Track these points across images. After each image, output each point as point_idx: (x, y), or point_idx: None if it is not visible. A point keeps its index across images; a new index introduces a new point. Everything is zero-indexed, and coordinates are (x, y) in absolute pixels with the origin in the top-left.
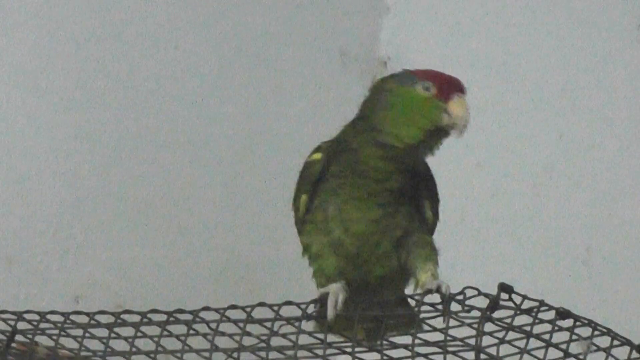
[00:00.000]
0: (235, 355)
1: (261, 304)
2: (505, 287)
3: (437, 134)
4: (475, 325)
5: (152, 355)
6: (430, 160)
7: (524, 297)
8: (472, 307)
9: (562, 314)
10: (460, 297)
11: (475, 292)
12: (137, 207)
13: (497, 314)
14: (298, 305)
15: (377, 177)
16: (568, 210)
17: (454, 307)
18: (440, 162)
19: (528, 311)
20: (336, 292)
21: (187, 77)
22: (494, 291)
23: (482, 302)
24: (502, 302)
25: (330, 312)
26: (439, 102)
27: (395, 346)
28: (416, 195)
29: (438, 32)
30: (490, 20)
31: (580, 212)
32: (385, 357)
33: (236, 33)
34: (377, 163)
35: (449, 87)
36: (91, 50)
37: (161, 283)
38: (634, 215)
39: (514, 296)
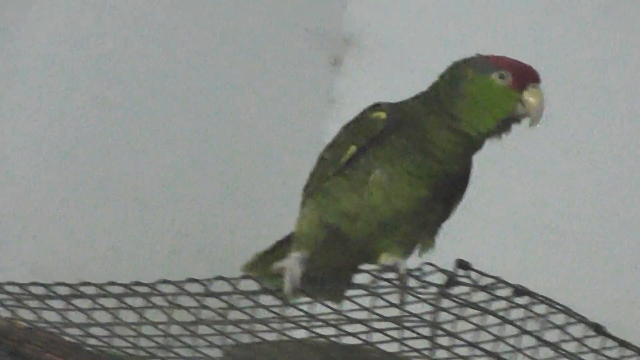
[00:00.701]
0: (192, 328)
1: (219, 278)
2: (462, 264)
3: (510, 122)
4: (432, 302)
5: (109, 327)
6: None
7: (481, 274)
8: (429, 283)
9: (519, 291)
10: (417, 273)
11: (433, 269)
12: (95, 180)
13: (453, 291)
14: (255, 279)
15: (441, 158)
16: (527, 189)
17: (412, 283)
18: None
19: (485, 288)
20: (291, 267)
21: (154, 55)
22: (451, 268)
23: (439, 279)
24: (459, 279)
25: (287, 287)
26: (515, 92)
27: (351, 321)
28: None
29: (401, 10)
30: None
31: (540, 190)
32: (341, 332)
33: (201, 10)
34: (447, 146)
35: (524, 76)
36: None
37: (119, 255)
38: (593, 193)
39: (470, 273)
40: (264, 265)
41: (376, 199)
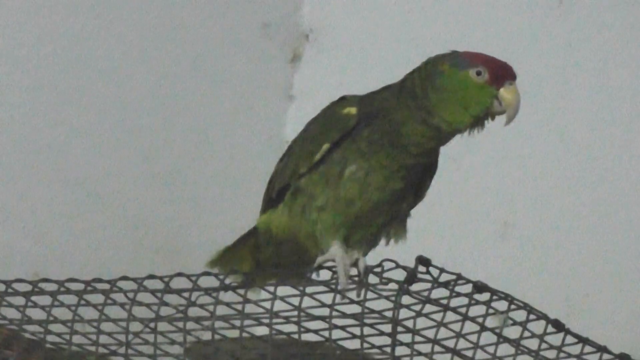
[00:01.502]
0: (152, 325)
1: (179, 274)
2: (422, 260)
3: (485, 119)
4: (393, 298)
5: (69, 324)
6: None
7: (442, 270)
8: (389, 280)
9: (479, 287)
10: (378, 270)
11: (393, 265)
12: (54, 175)
13: (414, 287)
14: (216, 275)
15: (414, 152)
16: (486, 185)
17: (372, 279)
18: None
19: (445, 284)
20: (342, 257)
21: (108, 46)
22: (411, 264)
23: (400, 275)
24: (419, 275)
25: (342, 281)
26: (491, 89)
27: (313, 318)
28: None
29: (361, 5)
30: None
31: (498, 187)
32: (302, 329)
33: (161, 4)
34: (420, 140)
35: (501, 73)
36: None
37: (79, 252)
38: (551, 190)
39: (431, 269)
40: (227, 261)
41: (352, 194)
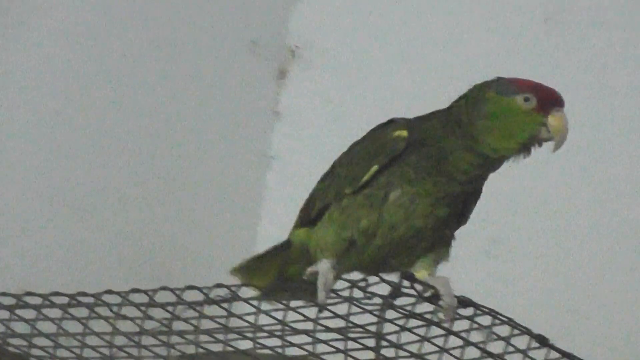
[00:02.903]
0: (136, 338)
1: (163, 288)
2: (407, 275)
3: (532, 145)
4: (377, 312)
5: (53, 337)
6: None
7: (425, 285)
8: (373, 294)
9: (463, 302)
10: (362, 284)
11: (377, 279)
12: (40, 190)
13: (398, 302)
14: (200, 289)
15: (461, 180)
16: None
17: (356, 294)
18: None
19: (429, 299)
20: (325, 272)
21: (97, 63)
22: (396, 279)
23: (384, 290)
24: (403, 290)
25: (320, 292)
26: (539, 116)
27: (297, 332)
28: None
29: (347, 22)
30: (398, 9)
31: (486, 205)
32: (286, 343)
33: (147, 21)
34: (467, 167)
35: (549, 99)
36: None
37: (64, 266)
38: (537, 209)
39: (415, 284)
40: (251, 271)
41: (396, 218)
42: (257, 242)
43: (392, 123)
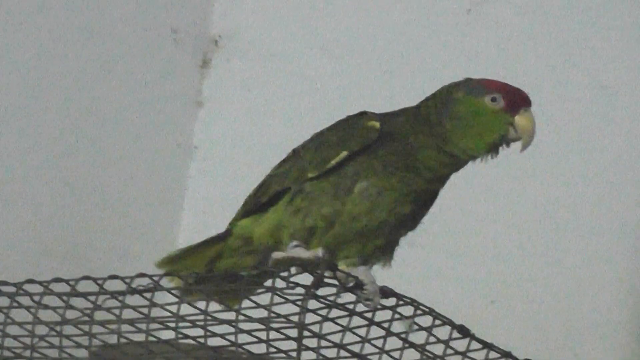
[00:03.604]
0: (58, 328)
1: (85, 277)
2: (329, 265)
3: (500, 145)
4: (299, 303)
5: None
6: None
7: (348, 275)
8: (296, 284)
9: (385, 292)
10: (285, 274)
11: (300, 270)
12: None
13: (321, 292)
14: (122, 279)
15: (427, 177)
16: None
17: (279, 284)
18: None
19: (351, 289)
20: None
21: (14, 52)
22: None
23: (307, 280)
24: (326, 280)
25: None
26: (507, 116)
27: (219, 322)
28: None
29: (271, 11)
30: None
31: None
32: (208, 333)
33: (66, 8)
34: (434, 166)
35: (517, 99)
36: None
37: None
38: (459, 199)
39: (338, 274)
40: (179, 263)
41: (359, 210)
42: (179, 231)
43: (364, 114)
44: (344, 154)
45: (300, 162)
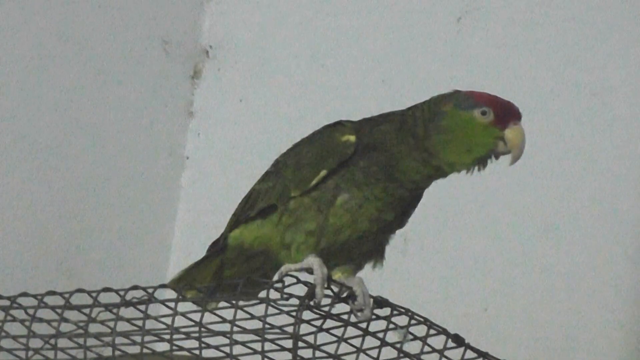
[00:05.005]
0: (52, 341)
1: (79, 290)
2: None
3: (488, 159)
4: (294, 313)
5: None
6: None
7: (342, 285)
8: (290, 295)
9: (380, 302)
10: (279, 285)
11: (294, 280)
12: None
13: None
14: (117, 292)
15: (410, 187)
16: None
17: (273, 295)
18: None
19: (346, 299)
20: (320, 267)
21: (6, 61)
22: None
23: (301, 290)
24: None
25: (319, 292)
26: (496, 130)
27: (214, 333)
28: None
29: (262, 21)
30: (311, 9)
31: None
32: (203, 345)
33: (57, 19)
34: (417, 178)
35: (506, 113)
36: None
37: None
38: (451, 207)
39: (332, 285)
40: (189, 280)
41: (341, 222)
42: (172, 242)
43: (339, 125)
44: (323, 173)
45: (282, 180)
